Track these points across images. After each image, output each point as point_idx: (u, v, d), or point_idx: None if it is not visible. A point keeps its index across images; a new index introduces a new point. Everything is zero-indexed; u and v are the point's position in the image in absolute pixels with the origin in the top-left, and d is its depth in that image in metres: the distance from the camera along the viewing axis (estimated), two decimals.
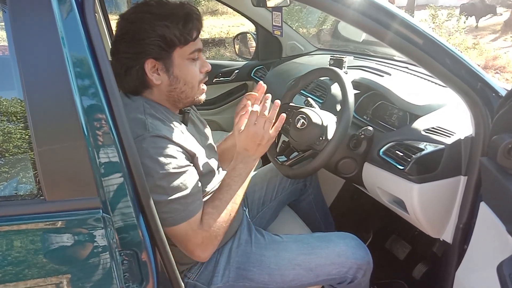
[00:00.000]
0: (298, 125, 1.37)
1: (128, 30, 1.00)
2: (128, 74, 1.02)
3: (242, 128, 1.09)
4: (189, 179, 1.00)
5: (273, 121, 1.10)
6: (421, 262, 1.66)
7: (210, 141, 1.25)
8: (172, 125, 1.04)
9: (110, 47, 1.05)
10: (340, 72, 1.34)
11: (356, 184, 1.52)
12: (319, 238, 1.26)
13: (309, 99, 1.57)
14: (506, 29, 9.68)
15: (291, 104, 1.53)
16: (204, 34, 9.94)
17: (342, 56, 1.74)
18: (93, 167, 0.79)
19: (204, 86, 1.13)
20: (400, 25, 1.01)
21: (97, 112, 0.80)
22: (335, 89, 1.69)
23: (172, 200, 0.96)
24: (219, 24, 11.66)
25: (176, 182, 0.96)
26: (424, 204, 1.23)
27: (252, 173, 1.60)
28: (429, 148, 1.22)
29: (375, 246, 1.86)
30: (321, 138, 1.29)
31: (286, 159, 1.43)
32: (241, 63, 2.47)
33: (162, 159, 0.94)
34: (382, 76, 1.76)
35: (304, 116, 1.36)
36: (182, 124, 1.11)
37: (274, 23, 1.62)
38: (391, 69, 1.85)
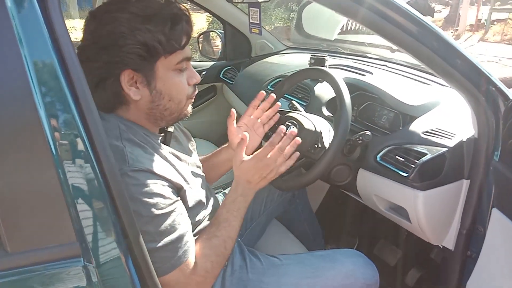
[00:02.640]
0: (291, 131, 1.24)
1: (100, 34, 0.82)
2: (100, 87, 0.85)
3: (245, 158, 0.98)
4: (178, 218, 0.85)
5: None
6: (413, 268, 1.60)
7: (195, 158, 1.10)
8: (154, 151, 0.89)
9: None
10: (333, 72, 1.23)
11: (348, 192, 1.43)
12: (323, 258, 1.14)
13: (294, 102, 1.45)
14: (446, 25, 10.15)
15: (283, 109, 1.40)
16: None
17: (323, 55, 1.64)
18: (68, 204, 0.62)
19: (192, 99, 0.98)
20: (397, 14, 0.92)
21: (70, 133, 0.63)
22: (319, 90, 1.58)
23: (161, 247, 0.82)
24: None
25: (164, 225, 0.82)
26: (429, 212, 1.16)
27: None
28: (431, 152, 1.14)
29: (362, 252, 1.78)
30: (316, 146, 1.18)
31: None
32: (208, 63, 2.31)
33: (146, 199, 0.80)
34: (364, 75, 1.68)
35: (294, 121, 1.24)
36: (164, 147, 0.95)
37: (251, 21, 1.48)
38: (370, 67, 1.78)
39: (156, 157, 0.87)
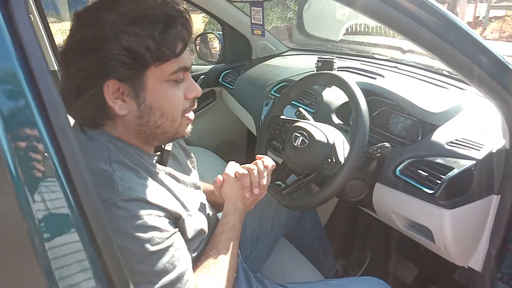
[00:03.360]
0: (297, 144, 1.12)
1: (83, 37, 0.70)
2: (81, 98, 0.72)
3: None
4: (177, 254, 0.73)
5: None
6: (432, 286, 1.47)
7: (194, 177, 0.97)
8: (148, 175, 0.76)
9: (54, 59, 0.74)
10: (346, 77, 1.11)
11: (364, 208, 1.31)
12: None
13: (301, 109, 1.33)
14: None
15: (282, 117, 1.28)
16: None
17: (331, 57, 1.52)
18: (36, 250, 0.50)
19: (191, 115, 0.85)
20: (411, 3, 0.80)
21: (36, 156, 0.51)
22: (328, 95, 1.46)
23: None
24: None
25: (161, 263, 0.70)
26: (457, 232, 1.04)
27: None
28: (458, 166, 1.02)
29: (376, 268, 1.66)
30: (329, 160, 1.06)
31: (283, 184, 1.18)
32: (207, 67, 2.18)
33: (140, 234, 0.67)
34: (375, 78, 1.56)
35: (303, 132, 1.12)
36: (160, 168, 0.82)
37: (253, 21, 1.36)
38: (381, 69, 1.66)
39: (151, 182, 0.75)
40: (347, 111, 1.38)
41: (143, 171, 0.76)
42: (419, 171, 1.06)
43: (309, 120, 1.29)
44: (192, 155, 1.03)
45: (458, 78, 1.48)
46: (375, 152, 1.06)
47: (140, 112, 0.75)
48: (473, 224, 1.07)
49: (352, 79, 1.12)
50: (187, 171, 0.94)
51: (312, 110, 1.46)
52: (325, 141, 1.09)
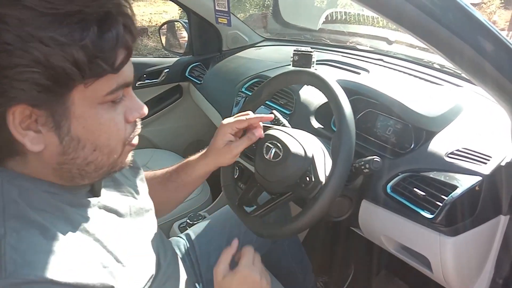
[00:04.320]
0: (269, 157, 0.93)
1: None
2: None
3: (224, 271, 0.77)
4: None
5: None
6: None
7: (143, 198, 0.76)
8: (64, 228, 0.54)
9: None
10: (327, 78, 0.92)
11: (351, 227, 1.13)
12: None
13: (275, 112, 1.13)
14: None
15: None
16: None
17: (309, 50, 1.32)
18: None
19: (135, 140, 0.63)
20: None
21: None
22: (306, 94, 1.27)
23: None
24: (139, 12, 10.79)
25: None
26: (459, 261, 0.87)
27: (204, 224, 1.14)
28: (462, 183, 0.84)
29: (360, 284, 1.50)
30: (307, 179, 0.87)
31: (253, 206, 0.98)
32: (171, 59, 1.95)
33: None
34: (359, 73, 1.37)
35: (276, 143, 0.93)
36: (90, 204, 0.61)
37: (217, 8, 1.15)
38: (365, 63, 1.47)
39: (66, 239, 0.53)
40: (328, 113, 1.19)
41: (56, 219, 0.54)
42: (415, 189, 0.88)
43: (284, 124, 1.10)
44: (139, 166, 0.82)
45: (452, 73, 1.32)
46: (363, 167, 0.88)
47: (63, 147, 0.53)
48: (477, 250, 0.91)
49: (333, 79, 0.92)
50: (132, 193, 0.73)
51: (288, 112, 1.27)
52: (303, 154, 0.89)
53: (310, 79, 0.95)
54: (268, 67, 1.57)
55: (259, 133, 0.90)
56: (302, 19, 2.04)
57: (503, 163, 0.86)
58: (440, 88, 1.21)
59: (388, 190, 0.94)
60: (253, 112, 1.08)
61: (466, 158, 0.89)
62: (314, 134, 1.02)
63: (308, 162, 0.89)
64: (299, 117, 1.22)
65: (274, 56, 1.73)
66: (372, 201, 0.98)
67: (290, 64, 1.37)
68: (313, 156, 0.90)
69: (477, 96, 1.15)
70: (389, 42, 1.57)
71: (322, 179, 0.85)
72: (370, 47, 1.67)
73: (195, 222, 1.35)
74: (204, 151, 0.94)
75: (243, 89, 1.52)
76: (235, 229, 1.06)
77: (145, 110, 0.60)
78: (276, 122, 1.11)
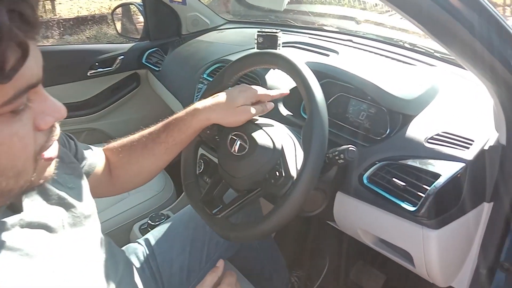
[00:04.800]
0: (234, 150, 0.83)
1: None
2: None
3: None
4: None
5: None
6: None
7: (80, 207, 0.64)
8: None
9: None
10: (295, 59, 0.82)
11: (326, 221, 1.05)
12: None
13: None
14: None
15: None
16: (83, 11, 8.62)
17: (274, 30, 1.22)
18: None
19: (51, 152, 0.50)
20: None
21: None
22: (272, 78, 1.17)
23: None
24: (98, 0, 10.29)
25: None
26: (443, 254, 0.81)
27: (165, 226, 1.03)
28: (445, 171, 0.77)
29: (336, 276, 1.44)
30: (277, 174, 0.77)
31: (219, 206, 0.88)
32: (126, 45, 1.80)
33: None
34: (327, 55, 1.29)
35: (241, 134, 0.83)
36: (9, 227, 0.49)
37: None
38: (333, 44, 1.39)
39: None
40: (298, 98, 1.10)
41: None
42: (394, 179, 0.81)
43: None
44: (83, 177, 0.70)
45: (424, 51, 1.25)
46: (337, 158, 0.79)
47: None
48: (461, 241, 0.85)
49: (301, 60, 0.83)
50: (65, 200, 0.60)
51: None
52: (271, 146, 0.80)
53: (275, 61, 0.85)
54: (231, 51, 1.46)
55: (271, 105, 0.87)
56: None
57: (486, 147, 0.80)
58: (414, 68, 1.14)
59: (365, 181, 0.86)
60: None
61: (447, 143, 0.82)
62: (283, 122, 0.93)
63: (278, 155, 0.79)
64: None
65: (238, 39, 1.61)
66: (348, 193, 0.90)
67: (254, 47, 1.26)
68: (282, 147, 0.80)
69: (452, 75, 1.09)
70: (358, 22, 1.49)
71: (294, 173, 0.76)
72: (337, 27, 1.59)
73: (157, 223, 1.24)
74: (193, 105, 0.84)
75: (204, 75, 1.40)
76: (200, 230, 0.96)
77: (63, 111, 0.47)
78: None
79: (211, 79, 1.36)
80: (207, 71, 1.41)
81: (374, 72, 1.03)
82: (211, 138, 0.93)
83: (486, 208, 0.83)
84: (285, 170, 0.76)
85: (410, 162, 0.82)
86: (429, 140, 0.83)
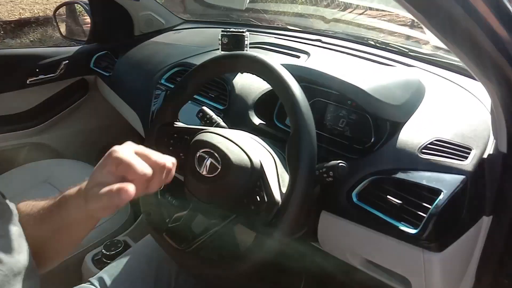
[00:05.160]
0: (203, 171, 0.70)
1: None
2: None
3: None
4: None
5: None
6: None
7: (4, 263, 0.48)
8: None
9: None
10: (273, 62, 0.70)
11: (309, 242, 0.94)
12: None
13: (205, 109, 0.90)
14: None
15: (177, 124, 0.83)
16: (25, 13, 8.10)
17: (241, 30, 1.09)
18: None
19: None
20: None
21: None
22: (242, 83, 1.04)
23: None
24: (42, 1, 9.72)
25: None
26: (445, 277, 0.72)
27: (123, 260, 0.88)
28: (445, 185, 0.69)
29: None
30: (258, 198, 0.65)
31: (187, 237, 0.74)
32: (71, 49, 1.61)
33: None
34: (298, 56, 1.19)
35: (211, 151, 0.70)
36: None
37: None
38: (303, 44, 1.29)
39: None
40: (270, 104, 0.98)
41: None
42: (389, 196, 0.71)
43: (218, 124, 0.87)
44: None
45: (398, 51, 1.18)
46: (325, 175, 0.68)
47: None
48: (461, 261, 0.77)
49: (278, 63, 0.71)
50: None
51: (221, 107, 1.03)
52: (248, 164, 0.67)
53: (249, 64, 0.73)
54: (191, 53, 1.32)
55: (128, 194, 0.45)
56: None
57: (485, 155, 0.72)
58: (393, 69, 1.06)
59: (354, 199, 0.75)
60: (178, 110, 0.85)
61: (443, 152, 0.73)
62: (256, 133, 0.81)
63: (257, 175, 0.67)
64: (235, 112, 0.99)
65: (198, 40, 1.48)
66: (334, 212, 0.79)
67: (218, 49, 1.13)
68: (261, 166, 0.68)
69: (433, 76, 1.02)
70: (326, 21, 1.40)
71: (278, 197, 0.64)
72: (304, 27, 1.49)
73: (113, 252, 1.07)
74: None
75: (162, 81, 1.25)
76: (165, 264, 0.82)
77: None
78: (208, 121, 0.88)
79: (170, 85, 1.22)
80: (165, 76, 1.26)
81: (353, 74, 0.93)
82: (175, 154, 0.79)
83: (485, 222, 0.75)
84: (268, 194, 0.64)
85: (405, 176, 0.72)
86: (424, 150, 0.74)
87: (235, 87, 1.03)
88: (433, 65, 1.07)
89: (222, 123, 0.88)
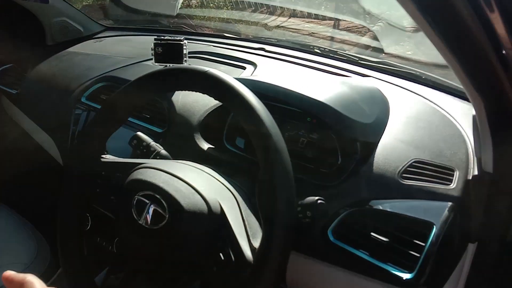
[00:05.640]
0: (144, 221, 0.53)
1: None
2: None
3: None
4: None
5: None
6: None
7: None
8: None
9: None
10: (231, 79, 0.56)
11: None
12: None
13: (140, 135, 0.73)
14: None
15: (106, 158, 0.65)
16: None
17: (177, 38, 0.93)
18: None
19: None
20: None
21: None
22: (183, 100, 0.88)
23: None
24: None
25: None
26: None
27: None
28: (433, 215, 0.59)
29: None
30: (222, 256, 0.50)
31: None
32: None
33: None
34: (244, 67, 1.06)
35: (156, 195, 0.54)
36: None
37: None
38: (246, 54, 1.16)
39: None
40: (219, 123, 0.84)
41: None
42: (372, 234, 0.60)
43: (159, 153, 0.71)
44: None
45: (348, 59, 1.10)
46: (301, 215, 0.55)
47: None
48: None
49: (237, 81, 0.57)
50: None
51: (159, 130, 0.86)
52: (204, 209, 0.52)
53: (203, 83, 0.58)
54: (117, 64, 1.13)
55: None
56: (153, 2, 1.62)
57: (469, 177, 0.64)
58: (349, 80, 0.96)
59: (331, 237, 0.63)
60: (105, 140, 0.67)
61: (425, 176, 0.65)
62: (206, 161, 0.67)
63: (217, 223, 0.52)
64: (178, 136, 0.83)
65: (124, 49, 1.28)
66: (306, 253, 0.67)
67: (151, 59, 0.96)
68: (222, 209, 0.53)
69: (391, 86, 0.94)
70: (269, 28, 1.29)
71: (249, 253, 0.50)
72: (245, 33, 1.37)
73: None
74: None
75: (83, 99, 1.05)
76: None
77: None
78: (145, 150, 0.71)
79: (94, 105, 1.02)
80: (87, 93, 1.06)
81: (310, 87, 0.82)
82: (105, 199, 0.62)
83: (470, 250, 0.67)
84: (235, 251, 0.50)
85: (388, 207, 0.62)
86: (404, 175, 0.65)
87: (174, 105, 0.87)
88: (387, 74, 1.00)
89: (163, 152, 0.72)
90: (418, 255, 0.56)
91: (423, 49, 1.00)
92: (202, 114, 0.84)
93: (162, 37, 0.93)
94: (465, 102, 0.85)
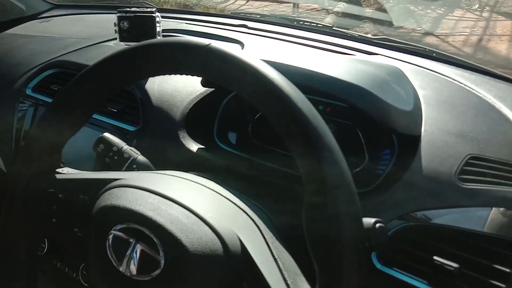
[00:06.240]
0: (129, 270, 0.36)
1: None
2: None
3: None
4: None
5: None
6: None
7: None
8: None
9: None
10: (246, 56, 0.39)
11: None
12: None
13: (107, 136, 0.54)
14: None
15: (62, 172, 0.46)
16: None
17: (148, 10, 0.73)
18: None
19: None
20: None
21: None
22: (159, 86, 0.69)
23: None
24: None
25: None
26: None
27: None
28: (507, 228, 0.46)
29: None
30: None
31: None
32: None
33: None
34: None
35: (144, 229, 0.36)
36: None
37: None
38: (226, 31, 0.98)
39: None
40: (208, 115, 0.66)
41: None
42: (435, 258, 0.45)
43: (136, 162, 0.52)
44: None
45: (343, 34, 0.95)
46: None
47: None
48: None
49: (262, 62, 0.40)
50: None
51: (132, 128, 0.67)
52: (218, 248, 0.35)
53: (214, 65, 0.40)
54: (70, 47, 0.92)
55: None
56: None
57: None
58: (366, 58, 0.81)
59: (377, 264, 0.48)
60: (61, 146, 0.48)
61: (489, 176, 0.50)
62: (198, 168, 0.50)
63: (238, 269, 0.35)
64: (156, 135, 0.64)
65: (77, 30, 1.07)
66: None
67: (114, 39, 0.76)
68: (242, 246, 0.36)
69: (406, 65, 0.79)
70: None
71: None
72: (220, 10, 1.17)
73: None
74: None
75: (28, 91, 0.83)
76: None
77: None
78: (116, 158, 0.53)
79: (44, 98, 0.81)
80: (33, 83, 0.85)
81: (320, 66, 0.66)
82: (63, 231, 0.43)
83: None
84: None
85: (450, 221, 0.47)
86: (461, 176, 0.50)
87: (150, 95, 0.67)
88: (394, 50, 0.86)
89: (141, 158, 0.54)
90: (503, 286, 0.42)
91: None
92: (187, 106, 0.66)
93: (128, 9, 0.73)
94: (497, 80, 0.73)
